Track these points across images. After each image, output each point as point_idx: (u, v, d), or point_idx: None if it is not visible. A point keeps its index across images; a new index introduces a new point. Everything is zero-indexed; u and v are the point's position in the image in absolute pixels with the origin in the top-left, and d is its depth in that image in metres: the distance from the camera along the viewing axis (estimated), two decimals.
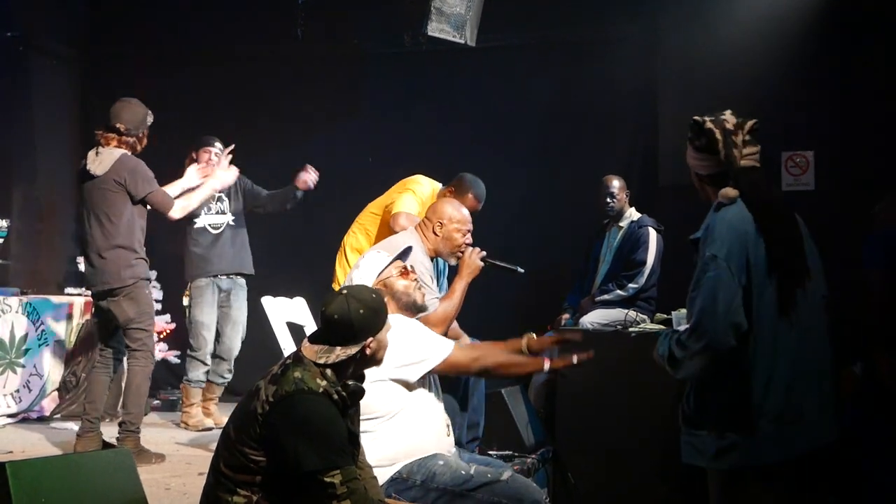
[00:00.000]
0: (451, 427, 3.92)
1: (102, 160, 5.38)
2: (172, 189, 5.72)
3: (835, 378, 3.17)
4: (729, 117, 3.14)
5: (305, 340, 3.06)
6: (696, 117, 3.16)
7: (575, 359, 3.91)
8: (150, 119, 5.51)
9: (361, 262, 4.11)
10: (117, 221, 5.36)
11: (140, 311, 5.38)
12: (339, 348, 2.99)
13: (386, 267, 3.88)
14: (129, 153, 5.45)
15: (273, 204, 6.93)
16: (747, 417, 2.96)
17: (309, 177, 6.75)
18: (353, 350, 3.01)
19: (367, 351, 3.04)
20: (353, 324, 2.98)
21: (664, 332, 3.23)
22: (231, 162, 6.17)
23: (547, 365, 3.90)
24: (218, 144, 6.66)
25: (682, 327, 3.12)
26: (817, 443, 3.05)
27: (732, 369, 2.97)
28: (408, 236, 4.77)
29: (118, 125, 5.40)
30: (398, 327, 3.51)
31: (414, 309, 3.92)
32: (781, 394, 2.97)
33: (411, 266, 3.93)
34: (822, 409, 3.04)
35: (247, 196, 6.89)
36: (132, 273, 5.35)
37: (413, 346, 3.67)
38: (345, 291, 3.05)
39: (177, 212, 5.63)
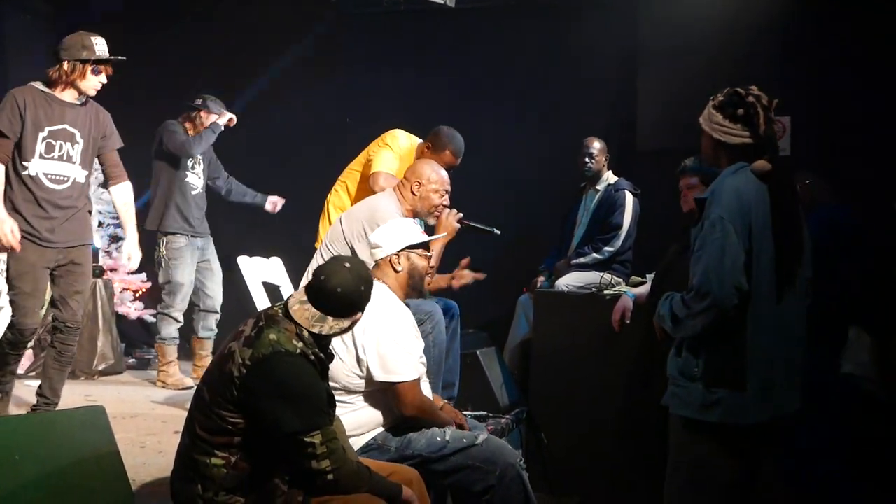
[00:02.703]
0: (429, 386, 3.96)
1: None
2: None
3: (803, 356, 3.28)
4: (761, 93, 3.21)
5: (294, 301, 3.07)
6: (737, 88, 3.22)
7: None
8: (82, 50, 4.77)
9: (388, 226, 4.02)
10: None
11: None
12: (332, 319, 3.03)
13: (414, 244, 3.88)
14: (39, 85, 4.82)
15: (234, 193, 7.03)
16: (737, 376, 3.09)
17: (278, 205, 6.99)
18: (345, 324, 3.06)
19: (352, 325, 3.11)
20: (354, 300, 3.04)
21: (665, 294, 3.29)
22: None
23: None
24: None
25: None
26: (783, 412, 3.20)
27: (728, 328, 3.08)
28: (386, 197, 4.78)
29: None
30: (393, 320, 3.65)
31: (417, 291, 3.95)
32: (765, 359, 3.11)
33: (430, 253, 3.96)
34: (791, 382, 3.20)
35: (210, 166, 6.94)
36: None
37: (396, 352, 3.65)
38: (347, 265, 3.07)
39: None
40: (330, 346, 3.21)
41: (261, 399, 2.89)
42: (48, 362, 4.96)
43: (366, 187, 5.41)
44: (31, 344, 6.73)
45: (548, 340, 5.36)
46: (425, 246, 3.95)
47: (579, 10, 7.46)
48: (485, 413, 4.97)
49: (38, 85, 4.77)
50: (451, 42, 7.86)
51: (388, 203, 4.71)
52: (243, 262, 5.65)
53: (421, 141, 5.59)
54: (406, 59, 7.93)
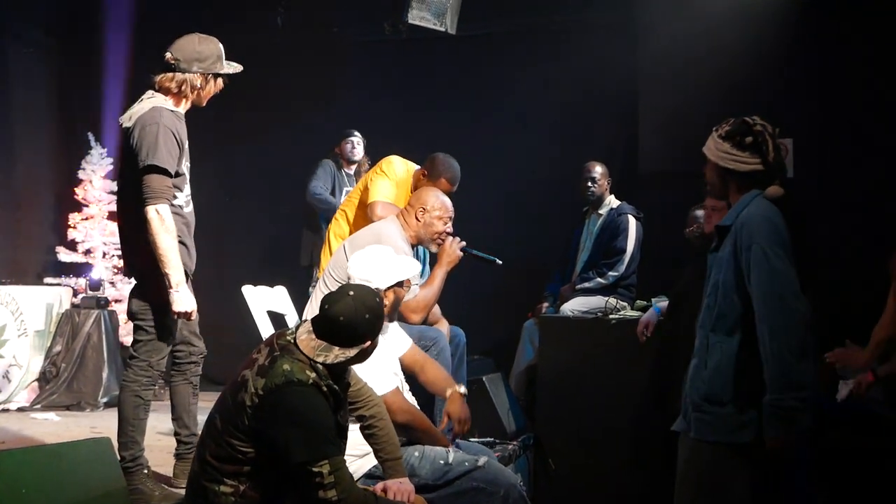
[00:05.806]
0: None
1: (133, 111, 4.01)
2: None
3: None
4: (765, 122, 3.23)
5: (302, 331, 3.06)
6: (744, 118, 3.24)
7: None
8: (217, 62, 4.22)
9: (373, 260, 3.86)
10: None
11: None
12: (337, 349, 3.01)
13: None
14: (167, 103, 4.03)
15: None
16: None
17: None
18: (352, 353, 3.04)
19: (362, 353, 3.07)
20: (358, 328, 3.01)
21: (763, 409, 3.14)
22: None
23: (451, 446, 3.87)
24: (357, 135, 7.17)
25: None
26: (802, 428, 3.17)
27: (754, 353, 3.08)
28: (390, 223, 4.79)
29: (166, 54, 4.06)
30: None
31: (392, 319, 4.01)
32: None
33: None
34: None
35: None
36: None
37: (367, 378, 3.58)
38: (351, 293, 3.05)
39: (161, 218, 3.85)
40: (346, 377, 3.18)
41: (271, 427, 2.89)
42: (187, 399, 4.37)
43: (364, 215, 5.42)
44: (37, 376, 6.81)
45: (554, 366, 5.36)
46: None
47: (579, 35, 7.50)
48: (492, 440, 4.95)
49: (164, 103, 4.03)
50: (453, 68, 7.89)
51: (393, 230, 4.71)
52: (248, 290, 5.64)
53: (418, 167, 5.61)
54: (408, 85, 7.96)
